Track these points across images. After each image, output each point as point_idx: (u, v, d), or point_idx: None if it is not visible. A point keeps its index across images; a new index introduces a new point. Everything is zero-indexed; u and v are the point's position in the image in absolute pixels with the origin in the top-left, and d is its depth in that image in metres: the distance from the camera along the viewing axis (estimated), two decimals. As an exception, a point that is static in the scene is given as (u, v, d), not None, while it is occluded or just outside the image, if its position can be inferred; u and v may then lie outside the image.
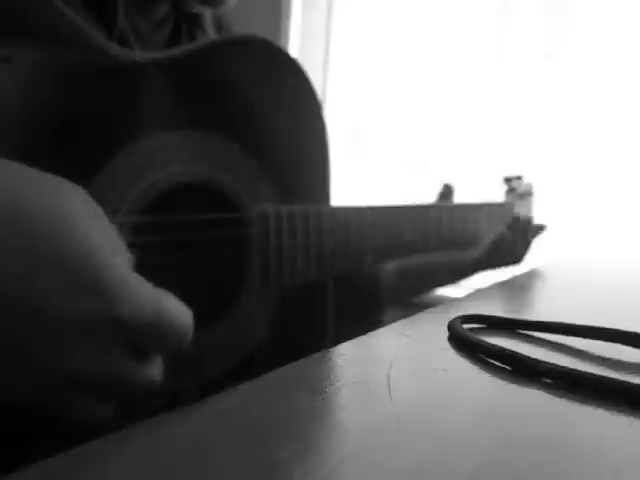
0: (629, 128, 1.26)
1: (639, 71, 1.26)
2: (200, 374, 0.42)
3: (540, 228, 0.72)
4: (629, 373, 0.27)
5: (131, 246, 0.36)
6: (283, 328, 0.46)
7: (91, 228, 0.23)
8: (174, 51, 0.41)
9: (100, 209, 0.26)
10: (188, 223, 0.40)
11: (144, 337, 0.24)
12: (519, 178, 0.78)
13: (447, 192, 0.66)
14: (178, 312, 0.25)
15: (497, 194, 0.79)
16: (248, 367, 0.44)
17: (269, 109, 0.45)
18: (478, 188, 0.66)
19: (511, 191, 0.75)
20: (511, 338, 0.33)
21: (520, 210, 0.75)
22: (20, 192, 0.22)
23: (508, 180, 0.77)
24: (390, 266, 0.64)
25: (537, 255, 0.75)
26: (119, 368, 0.23)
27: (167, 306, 0.24)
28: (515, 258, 0.65)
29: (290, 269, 0.45)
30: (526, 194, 0.77)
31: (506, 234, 0.63)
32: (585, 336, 0.32)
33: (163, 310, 0.24)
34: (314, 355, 0.27)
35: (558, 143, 1.33)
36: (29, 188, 0.23)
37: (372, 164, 1.52)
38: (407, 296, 0.65)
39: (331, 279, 0.50)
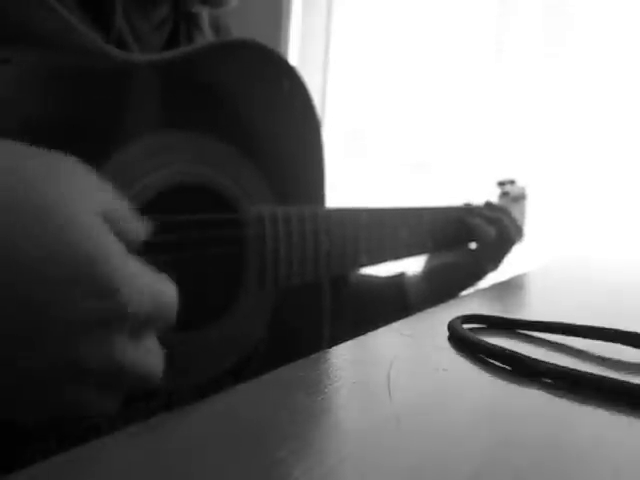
0: (629, 128, 1.26)
1: (639, 70, 1.26)
2: (198, 375, 0.42)
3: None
4: (629, 373, 0.27)
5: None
6: (280, 328, 0.46)
7: (94, 218, 0.24)
8: (171, 53, 0.41)
9: (103, 183, 0.26)
10: (184, 224, 0.40)
11: (143, 323, 0.25)
12: (512, 182, 0.78)
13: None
14: (170, 294, 0.26)
15: (494, 195, 0.79)
16: (246, 368, 0.44)
17: (265, 112, 0.45)
18: (478, 188, 0.66)
19: (504, 195, 0.76)
20: (511, 338, 0.33)
21: (513, 214, 0.75)
22: (24, 181, 0.22)
23: (501, 184, 0.77)
24: (415, 272, 0.66)
25: (537, 255, 0.76)
26: (120, 357, 0.24)
27: (163, 291, 0.26)
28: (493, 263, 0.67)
29: (286, 270, 0.45)
30: (519, 197, 0.78)
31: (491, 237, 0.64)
32: (585, 336, 0.32)
33: (159, 299, 0.25)
34: (313, 355, 0.27)
35: (558, 143, 1.33)
36: (34, 173, 0.23)
37: (371, 165, 1.52)
38: (435, 301, 0.66)
39: (327, 280, 0.50)
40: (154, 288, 0.25)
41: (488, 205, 0.69)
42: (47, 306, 0.21)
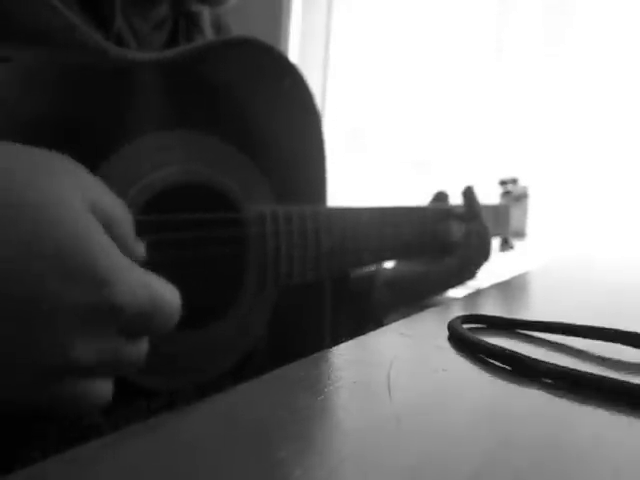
0: (630, 127, 1.26)
1: (639, 69, 1.26)
2: (198, 374, 0.42)
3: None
4: (629, 373, 0.27)
5: None
6: (281, 328, 0.46)
7: (84, 213, 0.24)
8: (171, 52, 0.41)
9: (95, 181, 0.27)
10: (184, 223, 0.40)
11: (137, 321, 0.25)
12: (514, 181, 0.78)
13: (441, 198, 0.65)
14: (169, 296, 0.26)
15: (496, 194, 0.79)
16: (246, 367, 0.44)
17: (266, 110, 0.45)
18: (479, 187, 0.65)
19: (506, 194, 0.76)
20: (511, 338, 0.33)
21: (516, 212, 0.75)
22: (13, 176, 0.23)
23: (503, 183, 0.77)
24: (380, 279, 0.63)
25: (537, 255, 0.75)
26: (112, 351, 0.24)
27: (159, 291, 0.26)
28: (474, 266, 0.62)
29: (287, 269, 0.45)
30: (521, 197, 0.78)
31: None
32: (585, 336, 0.32)
33: (155, 295, 0.25)
34: (314, 355, 0.27)
35: (559, 142, 1.33)
36: (22, 171, 0.23)
37: (371, 163, 1.52)
38: (399, 308, 0.64)
39: (328, 279, 0.50)
40: (150, 285, 0.25)
41: (466, 205, 0.63)
42: (32, 299, 0.22)
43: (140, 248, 0.29)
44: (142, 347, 0.27)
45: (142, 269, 0.26)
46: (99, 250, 0.23)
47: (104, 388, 0.25)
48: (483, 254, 0.61)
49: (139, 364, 0.26)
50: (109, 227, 0.26)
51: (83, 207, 0.24)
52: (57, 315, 0.22)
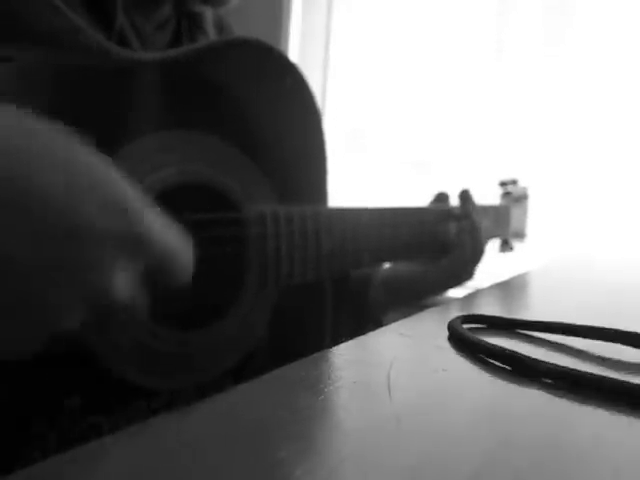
0: (630, 127, 1.26)
1: (639, 69, 1.26)
2: (199, 374, 0.42)
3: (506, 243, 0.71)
4: (629, 373, 0.27)
5: None
6: (281, 328, 0.46)
7: (110, 163, 0.26)
8: (172, 52, 0.41)
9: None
10: (185, 223, 0.40)
11: (160, 260, 0.27)
12: (514, 182, 0.78)
13: (442, 199, 0.65)
14: (185, 246, 0.28)
15: (496, 194, 0.79)
16: (247, 367, 0.44)
17: (266, 110, 0.45)
18: (478, 187, 0.65)
19: (506, 195, 0.76)
20: (511, 338, 0.33)
21: (516, 213, 0.75)
22: (40, 125, 0.25)
23: (503, 184, 0.77)
24: (377, 278, 0.63)
25: (537, 255, 0.75)
26: (134, 285, 0.26)
27: (180, 239, 0.28)
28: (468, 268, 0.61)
29: (288, 269, 0.45)
30: (521, 198, 0.78)
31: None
32: (585, 336, 0.32)
33: (177, 240, 0.27)
34: (314, 355, 0.27)
35: (559, 142, 1.33)
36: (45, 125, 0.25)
37: (371, 163, 1.52)
38: (397, 308, 0.64)
39: (329, 279, 0.50)
40: (173, 231, 0.27)
41: (462, 206, 0.62)
42: (76, 227, 0.23)
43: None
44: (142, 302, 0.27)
45: (168, 221, 0.28)
46: (129, 188, 0.25)
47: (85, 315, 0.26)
48: (476, 253, 0.61)
49: (143, 312, 0.27)
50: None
51: (107, 159, 0.26)
52: (91, 240, 0.23)
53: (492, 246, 0.72)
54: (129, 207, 0.25)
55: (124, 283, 0.25)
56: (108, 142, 0.36)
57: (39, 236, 0.22)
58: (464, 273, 0.61)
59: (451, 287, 0.62)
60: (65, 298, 0.23)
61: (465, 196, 0.62)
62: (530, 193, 0.81)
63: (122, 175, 0.26)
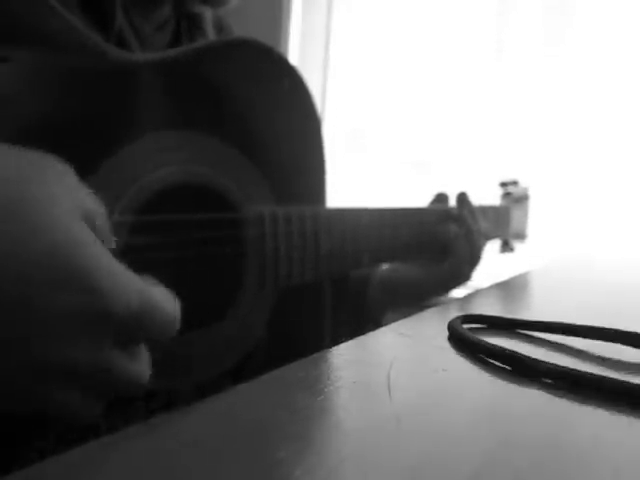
0: (630, 128, 1.26)
1: (639, 69, 1.26)
2: (198, 375, 0.42)
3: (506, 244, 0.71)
4: (629, 373, 0.27)
5: (127, 246, 0.36)
6: (280, 328, 0.46)
7: (77, 219, 0.24)
8: (171, 52, 0.41)
9: (79, 183, 0.26)
10: (184, 223, 0.40)
11: (131, 328, 0.24)
12: (515, 182, 0.78)
13: (442, 199, 0.65)
14: (164, 302, 0.25)
15: (497, 194, 0.79)
16: (246, 367, 0.44)
17: (265, 112, 0.45)
18: (479, 188, 0.66)
19: (507, 195, 0.76)
20: (511, 338, 0.33)
21: (516, 214, 0.75)
22: (7, 180, 0.22)
23: (504, 184, 0.77)
24: (376, 278, 0.63)
25: (537, 255, 0.75)
26: (106, 359, 0.24)
27: (153, 296, 0.25)
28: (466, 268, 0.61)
29: (287, 270, 0.45)
30: (522, 198, 0.78)
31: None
32: (585, 336, 0.32)
33: (149, 300, 0.25)
34: (313, 355, 0.27)
35: (559, 142, 1.33)
36: (16, 173, 0.23)
37: (371, 164, 1.52)
38: (396, 308, 0.64)
39: (328, 280, 0.50)
40: (143, 291, 0.25)
41: (459, 207, 0.62)
42: (25, 304, 0.21)
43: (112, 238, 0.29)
44: (142, 365, 0.26)
45: (136, 275, 0.25)
46: (91, 257, 0.23)
47: (94, 401, 0.25)
48: (473, 256, 0.61)
49: (140, 383, 0.26)
50: (93, 223, 0.25)
51: (75, 213, 0.24)
52: (49, 319, 0.22)
53: (492, 247, 0.72)
54: (90, 282, 0.22)
55: (97, 357, 0.23)
56: (107, 143, 0.36)
57: None
58: (461, 276, 0.61)
59: (449, 289, 0.62)
60: (37, 374, 0.22)
61: (461, 199, 0.63)
62: (530, 193, 0.81)
63: (89, 233, 0.24)
